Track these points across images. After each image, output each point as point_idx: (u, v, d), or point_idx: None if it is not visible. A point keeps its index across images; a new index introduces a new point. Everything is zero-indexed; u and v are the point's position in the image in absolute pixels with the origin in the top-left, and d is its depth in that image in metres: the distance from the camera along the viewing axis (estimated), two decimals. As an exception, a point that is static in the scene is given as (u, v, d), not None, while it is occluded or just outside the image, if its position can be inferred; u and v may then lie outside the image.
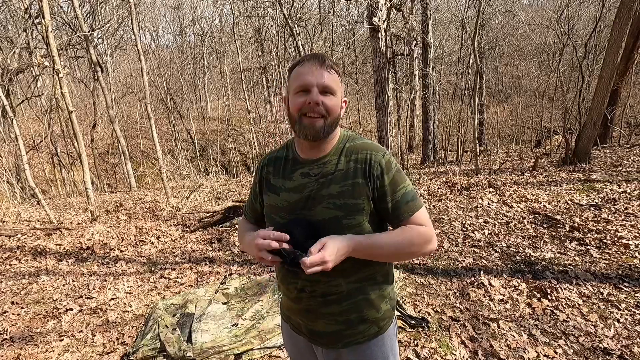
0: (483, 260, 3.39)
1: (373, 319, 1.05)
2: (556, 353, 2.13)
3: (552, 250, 3.43)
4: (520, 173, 6.69)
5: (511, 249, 3.56)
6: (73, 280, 3.65)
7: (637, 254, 3.17)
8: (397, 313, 1.16)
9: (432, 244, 1.00)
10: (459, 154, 10.77)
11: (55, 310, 3.08)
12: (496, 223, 4.26)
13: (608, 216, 4.01)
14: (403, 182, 1.00)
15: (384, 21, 7.70)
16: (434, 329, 2.43)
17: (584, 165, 6.40)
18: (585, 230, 3.74)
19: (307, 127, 0.98)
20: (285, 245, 0.91)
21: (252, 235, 1.01)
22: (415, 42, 12.23)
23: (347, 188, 0.98)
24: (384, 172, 0.98)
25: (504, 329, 2.36)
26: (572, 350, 2.15)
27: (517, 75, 21.11)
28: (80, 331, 2.72)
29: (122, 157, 11.42)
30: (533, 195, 5.04)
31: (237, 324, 2.50)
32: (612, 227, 3.72)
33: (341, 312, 1.03)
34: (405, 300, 2.77)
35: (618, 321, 2.37)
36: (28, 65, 10.75)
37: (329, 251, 0.88)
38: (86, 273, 3.84)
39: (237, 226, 5.07)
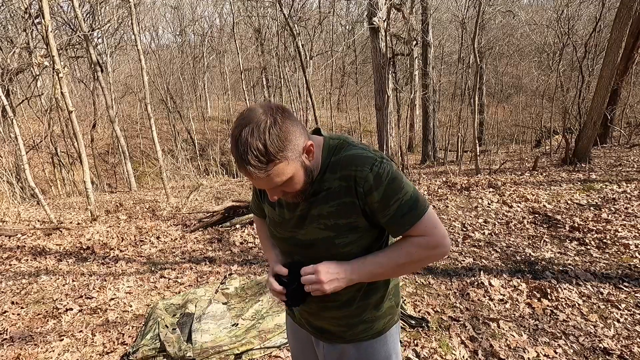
0: (483, 260, 3.39)
1: (374, 318, 1.05)
2: (556, 353, 2.13)
3: (552, 250, 3.43)
4: (520, 173, 6.69)
5: (511, 248, 3.56)
6: (73, 280, 3.65)
7: (637, 254, 3.17)
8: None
9: (439, 248, 0.91)
10: (459, 154, 10.77)
11: (55, 310, 3.08)
12: (496, 223, 4.26)
13: (608, 216, 4.01)
14: (397, 193, 0.87)
15: (384, 21, 7.70)
16: (434, 329, 2.43)
17: (584, 165, 6.40)
18: (585, 230, 3.74)
19: (285, 199, 0.96)
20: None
21: (272, 262, 1.07)
22: (415, 42, 12.23)
23: (336, 208, 0.91)
24: (373, 188, 0.87)
25: (504, 329, 2.36)
26: (572, 350, 2.15)
27: (517, 75, 21.13)
28: (80, 331, 2.72)
29: (122, 157, 11.41)
30: (533, 195, 5.03)
31: (237, 324, 2.50)
32: (612, 227, 3.72)
33: (341, 317, 1.03)
34: (405, 300, 2.77)
35: (618, 321, 2.37)
36: (28, 65, 10.75)
37: (319, 265, 0.89)
38: (86, 273, 3.84)
39: (237, 226, 5.06)
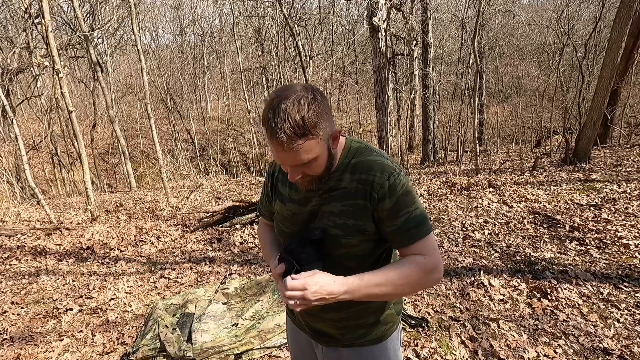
0: (483, 260, 3.39)
1: (374, 323, 1.04)
2: (556, 353, 2.13)
3: (552, 250, 3.43)
4: (520, 173, 6.69)
5: (511, 248, 3.56)
6: (73, 280, 3.65)
7: (637, 254, 3.17)
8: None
9: (435, 273, 0.91)
10: (459, 154, 10.77)
11: (55, 310, 3.08)
12: (496, 223, 4.26)
13: (608, 216, 4.01)
14: (408, 206, 0.90)
15: (384, 21, 7.71)
16: (434, 329, 2.43)
17: (583, 165, 6.40)
18: (585, 230, 3.74)
19: (300, 185, 0.95)
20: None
21: (273, 261, 1.02)
22: (415, 42, 12.23)
23: (348, 208, 0.93)
24: (387, 195, 0.89)
25: (504, 329, 2.36)
26: (572, 350, 2.15)
27: (517, 75, 21.12)
28: (80, 331, 2.72)
29: (122, 157, 11.41)
30: (533, 195, 5.04)
31: (237, 324, 2.50)
32: (612, 227, 3.72)
33: (340, 319, 1.03)
34: (405, 300, 2.77)
35: (618, 321, 2.37)
36: (28, 65, 10.75)
37: (312, 280, 0.84)
38: (86, 273, 3.84)
39: (237, 226, 5.06)
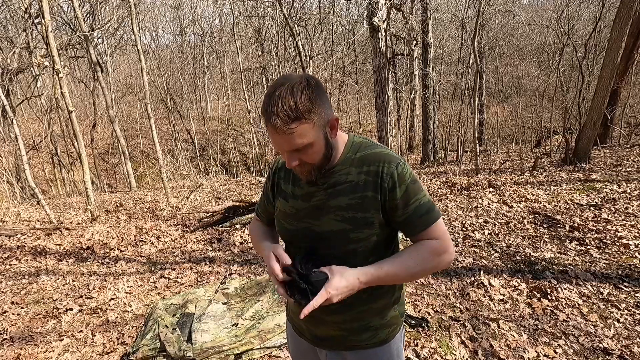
0: (483, 260, 3.39)
1: (378, 326, 1.03)
2: (556, 353, 2.13)
3: (552, 250, 3.43)
4: (520, 173, 6.69)
5: (511, 248, 3.56)
6: (73, 280, 3.65)
7: (637, 254, 3.17)
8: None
9: (447, 255, 0.94)
10: (459, 154, 10.77)
11: (55, 310, 3.08)
12: (496, 223, 4.26)
13: (608, 216, 4.01)
14: (417, 194, 0.93)
15: (384, 21, 7.71)
16: (434, 328, 2.43)
17: (583, 165, 6.40)
18: (585, 230, 3.74)
19: (300, 174, 0.96)
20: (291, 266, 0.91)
21: (267, 249, 1.01)
22: (415, 42, 12.23)
23: (356, 201, 0.93)
24: (396, 185, 0.91)
25: (504, 329, 2.36)
26: (572, 350, 2.15)
27: (517, 75, 21.12)
28: (80, 331, 2.72)
29: (122, 157, 11.42)
30: (533, 195, 5.04)
31: (237, 324, 2.50)
32: (612, 227, 3.72)
33: (344, 321, 1.02)
34: (405, 300, 2.77)
35: (618, 321, 2.37)
36: (28, 65, 10.75)
37: (333, 286, 0.87)
38: (86, 273, 3.84)
39: (237, 226, 5.06)
